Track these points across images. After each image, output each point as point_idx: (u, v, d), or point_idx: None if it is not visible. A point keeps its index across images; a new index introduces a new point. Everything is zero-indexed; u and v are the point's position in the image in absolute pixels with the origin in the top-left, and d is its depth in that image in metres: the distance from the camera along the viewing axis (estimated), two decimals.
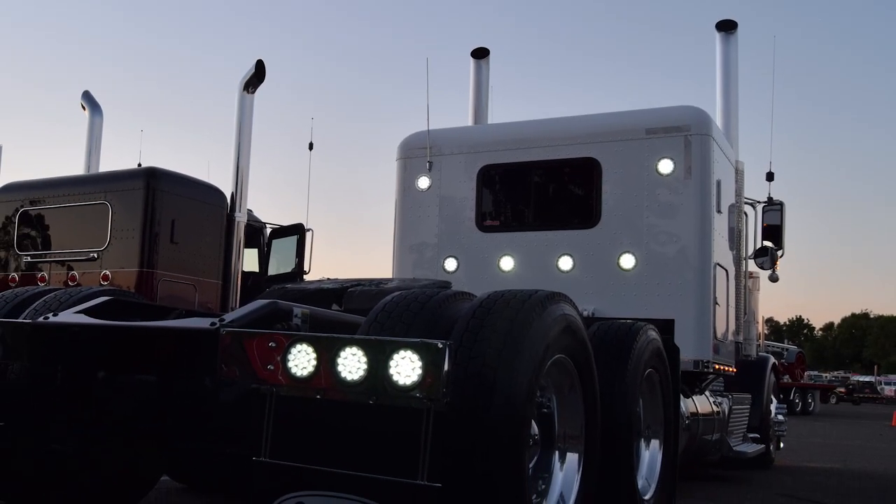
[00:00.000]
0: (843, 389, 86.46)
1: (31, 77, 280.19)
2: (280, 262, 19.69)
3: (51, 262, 16.69)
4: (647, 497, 8.85)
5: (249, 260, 19.07)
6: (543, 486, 7.03)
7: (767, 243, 15.04)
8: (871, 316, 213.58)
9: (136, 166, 17.52)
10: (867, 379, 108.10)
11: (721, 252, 13.16)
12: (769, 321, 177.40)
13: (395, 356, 5.08)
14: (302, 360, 5.30)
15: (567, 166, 13.46)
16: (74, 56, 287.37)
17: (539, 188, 13.73)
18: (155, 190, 15.82)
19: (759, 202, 15.33)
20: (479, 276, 13.38)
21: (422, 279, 11.76)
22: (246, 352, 5.52)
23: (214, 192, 16.84)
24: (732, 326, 14.23)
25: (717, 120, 14.25)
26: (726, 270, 13.53)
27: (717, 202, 12.85)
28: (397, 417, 5.10)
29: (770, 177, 15.46)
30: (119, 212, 15.90)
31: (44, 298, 8.05)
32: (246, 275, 17.80)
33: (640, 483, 8.80)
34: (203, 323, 6.46)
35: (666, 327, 9.90)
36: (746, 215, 15.01)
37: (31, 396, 7.65)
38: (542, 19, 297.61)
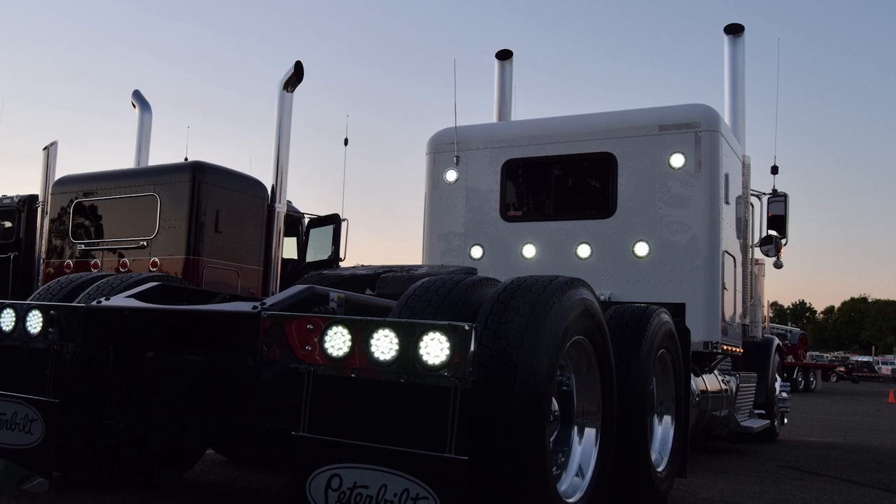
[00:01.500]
0: (842, 369, 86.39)
1: (86, 76, 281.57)
2: (317, 250, 19.71)
3: (103, 250, 16.72)
4: (660, 469, 8.83)
5: (289, 248, 19.08)
6: (563, 459, 7.03)
7: (772, 232, 15.00)
8: (870, 300, 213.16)
9: (182, 160, 17.54)
10: (865, 359, 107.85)
11: (729, 240, 13.12)
12: (774, 305, 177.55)
13: (425, 338, 5.09)
14: (338, 341, 5.31)
15: (585, 160, 13.43)
16: (126, 57, 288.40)
17: (559, 181, 13.71)
18: (200, 182, 15.84)
19: (764, 194, 15.28)
20: (503, 263, 13.38)
21: (449, 266, 11.76)
22: (285, 333, 5.54)
23: (256, 185, 16.86)
24: (739, 310, 14.19)
25: (725, 117, 14.20)
26: (734, 258, 13.49)
27: (725, 194, 12.82)
28: (427, 395, 5.11)
29: (775, 170, 15.42)
30: (167, 203, 15.93)
31: (97, 284, 8.08)
32: (285, 262, 17.82)
33: (654, 456, 8.78)
34: (245, 307, 6.46)
35: (677, 311, 9.90)
36: (753, 206, 14.96)
37: (85, 375, 7.66)
38: (560, 24, 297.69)
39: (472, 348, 5.04)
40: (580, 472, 7.03)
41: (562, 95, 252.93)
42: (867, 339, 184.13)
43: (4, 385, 7.29)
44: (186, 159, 17.84)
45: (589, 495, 6.89)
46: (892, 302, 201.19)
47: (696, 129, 12.65)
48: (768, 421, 16.61)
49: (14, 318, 7.20)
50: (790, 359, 47.44)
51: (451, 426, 5.04)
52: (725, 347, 13.01)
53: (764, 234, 15.06)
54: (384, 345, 5.20)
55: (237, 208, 16.38)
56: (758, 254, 15.37)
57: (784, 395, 18.15)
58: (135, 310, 7.11)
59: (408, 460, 5.07)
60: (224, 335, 6.61)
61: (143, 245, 16.06)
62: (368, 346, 5.23)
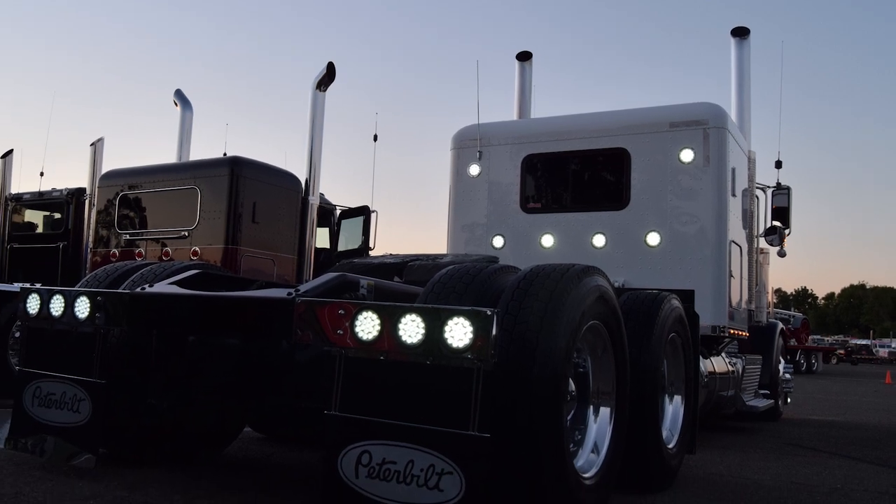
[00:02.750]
0: (842, 351, 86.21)
1: (131, 76, 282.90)
2: (348, 240, 19.70)
3: (147, 240, 16.76)
4: (670, 446, 8.80)
5: (321, 237, 19.07)
6: (580, 436, 7.01)
7: (776, 223, 14.92)
8: (868, 287, 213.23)
9: (221, 155, 17.55)
10: (864, 342, 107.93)
11: (735, 231, 13.07)
12: (777, 291, 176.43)
13: (450, 322, 5.10)
14: (367, 325, 5.33)
15: (600, 155, 13.40)
16: (169, 57, 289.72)
17: (576, 175, 13.67)
18: (238, 176, 15.86)
19: (768, 187, 15.19)
20: (523, 252, 13.36)
21: (473, 254, 11.75)
22: (318, 318, 5.55)
23: (290, 178, 16.86)
24: (745, 296, 14.14)
25: (732, 114, 14.14)
26: (740, 247, 13.44)
27: (732, 187, 12.77)
28: (451, 376, 5.12)
29: (778, 164, 15.35)
30: (207, 195, 15.96)
31: (141, 272, 8.10)
32: (318, 251, 17.81)
33: (665, 433, 8.76)
34: (280, 293, 6.47)
35: (687, 297, 9.84)
36: (758, 198, 14.88)
37: (130, 358, 7.68)
38: (577, 28, 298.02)
39: (493, 332, 5.05)
40: (596, 449, 7.02)
41: (578, 94, 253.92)
42: (865, 324, 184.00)
43: (54, 367, 7.34)
44: (225, 154, 17.85)
45: (604, 470, 6.88)
46: (889, 289, 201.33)
47: (704, 125, 12.62)
48: (772, 400, 16.56)
49: (63, 304, 7.24)
50: (793, 342, 47.36)
51: (474, 406, 5.06)
52: (732, 331, 12.97)
53: (768, 225, 14.98)
54: (411, 329, 5.21)
55: (273, 200, 16.40)
56: (763, 243, 15.30)
57: (787, 376, 18.08)
58: (177, 296, 7.13)
59: (433, 438, 5.10)
60: (261, 320, 6.61)
61: (184, 235, 16.10)
62: (396, 330, 5.24)
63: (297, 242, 16.53)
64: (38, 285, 8.44)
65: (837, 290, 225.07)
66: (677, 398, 9.41)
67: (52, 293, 7.37)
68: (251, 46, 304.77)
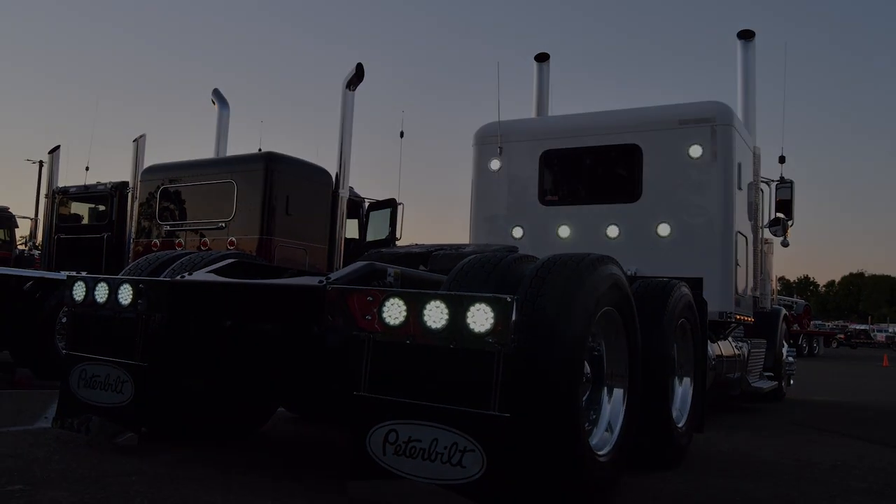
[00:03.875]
0: (842, 336, 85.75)
1: (172, 76, 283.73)
2: (376, 230, 19.71)
3: (186, 231, 16.84)
4: (680, 425, 8.78)
5: (351, 228, 19.09)
6: (594, 416, 6.99)
7: (780, 215, 14.84)
8: (866, 275, 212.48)
9: (257, 151, 17.58)
10: (862, 327, 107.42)
11: (741, 222, 13.02)
12: (781, 279, 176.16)
13: (472, 308, 5.11)
14: (394, 311, 5.33)
15: (614, 151, 13.37)
16: (207, 58, 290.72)
17: (591, 169, 13.65)
18: (273, 171, 15.91)
19: (772, 181, 15.13)
20: (541, 242, 13.33)
21: (493, 244, 11.71)
22: (348, 305, 5.56)
23: (322, 172, 16.90)
24: (751, 283, 14.08)
25: (738, 112, 14.06)
26: (746, 237, 13.39)
27: (738, 181, 12.73)
28: (473, 359, 5.13)
29: (782, 159, 15.27)
30: (243, 189, 16.01)
31: (180, 261, 8.11)
32: (348, 241, 17.82)
33: (675, 413, 8.73)
34: (312, 281, 6.47)
35: (696, 284, 9.82)
36: (762, 192, 14.81)
37: (170, 342, 7.69)
38: (593, 31, 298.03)
39: (513, 318, 5.07)
40: (609, 428, 7.00)
41: (593, 93, 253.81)
42: (864, 310, 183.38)
43: (99, 350, 7.37)
44: (260, 150, 17.88)
45: (617, 448, 6.86)
46: (887, 276, 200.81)
47: (712, 123, 12.58)
48: (776, 382, 16.53)
49: (107, 291, 7.27)
50: (796, 327, 47.21)
51: (494, 387, 5.08)
52: (738, 317, 12.94)
53: (772, 217, 14.94)
54: (436, 315, 5.22)
55: (305, 193, 16.44)
56: (767, 234, 15.25)
57: (790, 359, 18.06)
58: (214, 284, 7.14)
59: (457, 417, 5.12)
60: (293, 306, 6.60)
61: (221, 226, 16.15)
62: (422, 315, 5.25)
63: (328, 233, 16.55)
64: (83, 273, 8.47)
65: (837, 278, 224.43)
66: (686, 380, 9.39)
67: (96, 281, 7.40)
68: (285, 47, 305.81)
